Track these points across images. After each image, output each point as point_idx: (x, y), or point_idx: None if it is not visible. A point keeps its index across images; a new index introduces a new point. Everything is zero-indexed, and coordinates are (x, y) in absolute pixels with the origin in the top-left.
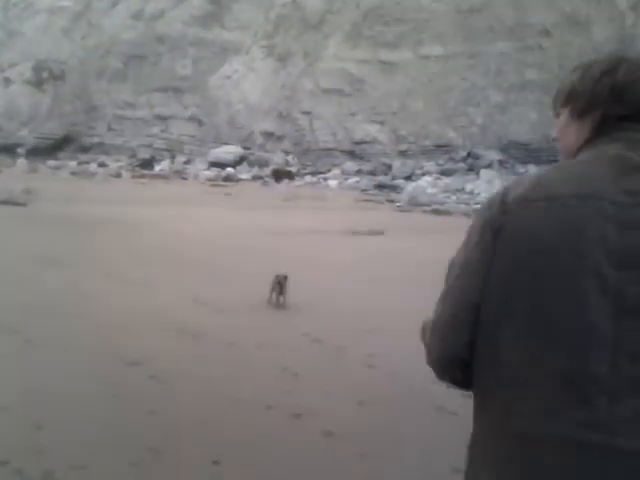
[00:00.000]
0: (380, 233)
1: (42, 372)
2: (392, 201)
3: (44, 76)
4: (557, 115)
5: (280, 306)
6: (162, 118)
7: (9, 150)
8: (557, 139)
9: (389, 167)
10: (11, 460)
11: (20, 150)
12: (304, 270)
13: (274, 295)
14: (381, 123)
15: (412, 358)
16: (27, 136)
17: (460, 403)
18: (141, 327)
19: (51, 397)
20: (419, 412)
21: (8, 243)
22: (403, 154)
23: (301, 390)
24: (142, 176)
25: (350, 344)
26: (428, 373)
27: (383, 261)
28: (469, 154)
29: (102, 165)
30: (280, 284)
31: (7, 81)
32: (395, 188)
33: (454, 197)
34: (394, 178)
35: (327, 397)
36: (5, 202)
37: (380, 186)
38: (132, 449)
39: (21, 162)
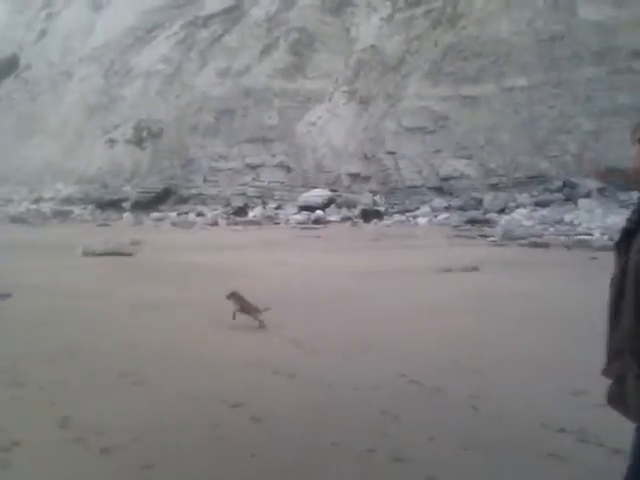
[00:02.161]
0: (475, 269)
1: (152, 413)
2: (485, 236)
3: (144, 135)
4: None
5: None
6: (253, 167)
7: (115, 205)
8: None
9: (479, 202)
10: None
11: (125, 204)
12: (397, 309)
13: None
14: (468, 158)
15: (518, 400)
16: (131, 191)
17: (574, 449)
18: (241, 368)
19: (160, 438)
20: (529, 459)
21: (119, 290)
22: (494, 187)
23: (401, 433)
24: (237, 223)
25: (450, 385)
26: (537, 416)
27: (479, 298)
28: (565, 184)
29: (200, 215)
30: None
31: (112, 142)
32: (487, 222)
33: (552, 229)
34: (486, 212)
35: (429, 441)
36: (114, 253)
37: (472, 221)
38: None
39: (127, 216)
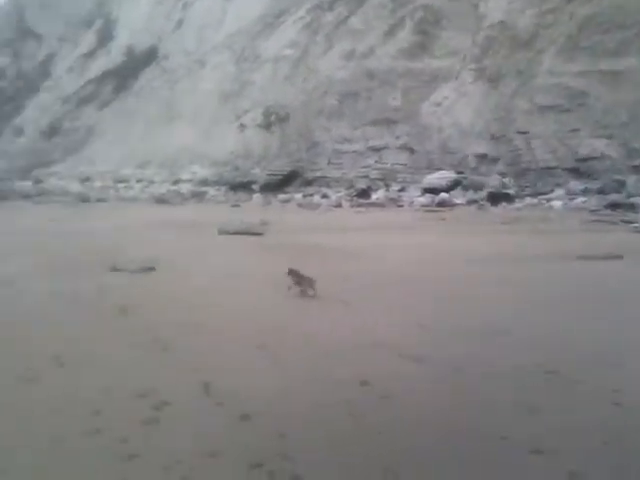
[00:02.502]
0: (618, 257)
1: (285, 385)
2: (629, 222)
3: (272, 119)
4: None
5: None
6: (376, 149)
7: (246, 187)
8: None
9: (622, 184)
10: (265, 463)
11: (254, 186)
12: (532, 298)
13: None
14: (609, 137)
15: None
16: (260, 173)
17: None
18: (368, 349)
19: (294, 409)
20: None
21: (252, 267)
22: (638, 169)
23: (538, 424)
24: (360, 205)
25: (591, 378)
26: None
27: (622, 289)
28: None
29: (324, 197)
30: None
31: (242, 126)
32: (632, 207)
33: None
34: (630, 196)
35: (569, 434)
36: (246, 232)
37: (613, 205)
38: (366, 468)
39: (256, 197)
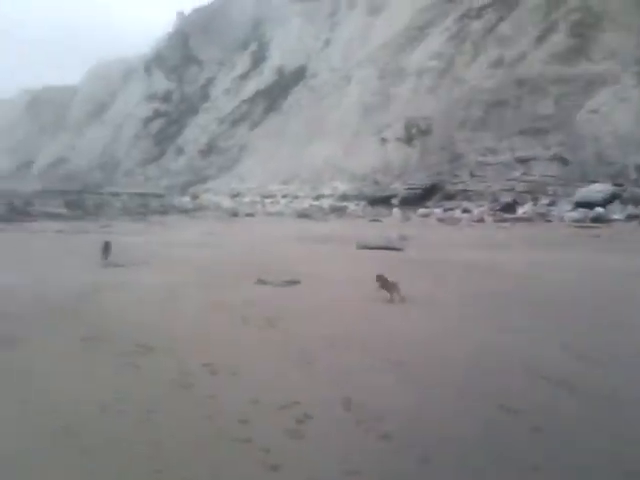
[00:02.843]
0: None
1: (428, 406)
2: None
3: (413, 132)
4: None
5: None
6: (523, 160)
7: (385, 201)
8: None
9: None
10: None
11: (394, 201)
12: None
13: None
14: None
15: None
16: (399, 188)
17: None
18: (516, 373)
19: (438, 431)
20: None
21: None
22: None
23: None
24: (504, 220)
25: None
26: None
27: None
28: None
29: (466, 211)
30: None
31: (383, 140)
32: None
33: None
34: None
35: None
36: (385, 247)
37: None
38: None
39: (395, 211)
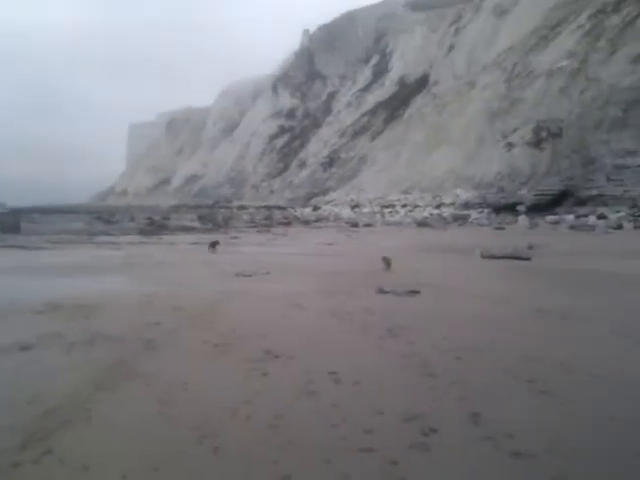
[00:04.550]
0: None
1: (565, 423)
2: None
3: (543, 136)
4: None
5: None
6: None
7: (510, 208)
8: None
9: None
10: None
11: (520, 208)
12: None
13: None
14: None
15: None
16: (526, 194)
17: None
18: None
19: (575, 453)
20: None
21: (523, 294)
22: None
23: None
24: None
25: None
26: None
27: None
28: None
29: (601, 217)
30: None
31: (509, 145)
32: None
33: None
34: None
35: None
36: (510, 256)
37: None
38: None
39: (522, 219)
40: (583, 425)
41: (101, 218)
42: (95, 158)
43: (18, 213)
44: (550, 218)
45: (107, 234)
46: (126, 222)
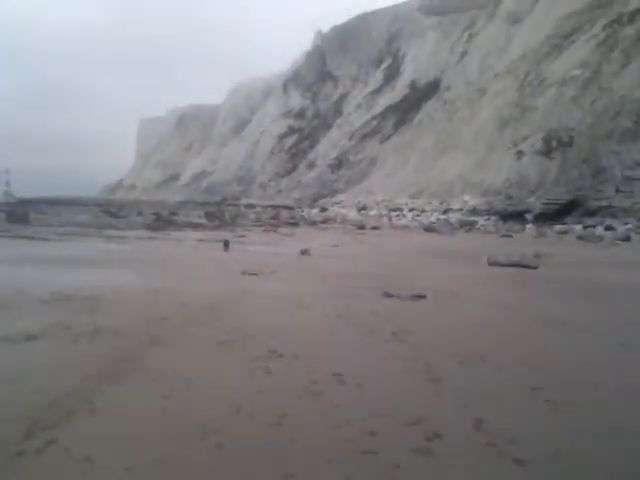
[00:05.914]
0: None
1: (568, 431)
2: None
3: (553, 145)
4: None
5: None
6: None
7: (518, 216)
8: None
9: None
10: None
11: (528, 216)
12: None
13: None
14: None
15: None
16: (534, 203)
17: None
18: None
19: (581, 462)
20: None
21: (527, 301)
22: None
23: None
24: None
25: None
26: None
27: None
28: None
29: (609, 228)
30: None
31: (519, 153)
32: None
33: None
34: None
35: None
36: (516, 264)
37: None
38: None
39: (529, 227)
40: (584, 434)
41: (109, 211)
42: (105, 151)
43: (27, 204)
44: (558, 227)
45: (115, 228)
46: (134, 216)
